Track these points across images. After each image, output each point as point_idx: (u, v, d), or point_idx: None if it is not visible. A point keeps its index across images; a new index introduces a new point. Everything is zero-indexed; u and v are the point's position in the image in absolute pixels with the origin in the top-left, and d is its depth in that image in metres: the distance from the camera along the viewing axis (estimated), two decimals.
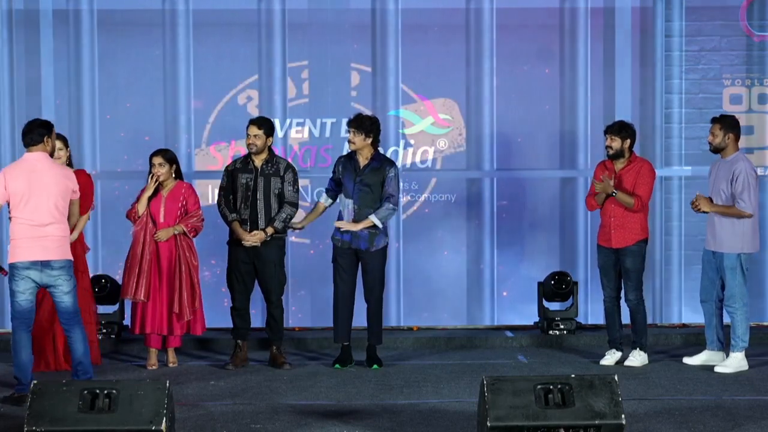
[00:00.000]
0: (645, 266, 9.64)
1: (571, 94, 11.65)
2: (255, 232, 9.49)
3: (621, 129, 9.48)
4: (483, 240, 11.68)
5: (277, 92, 11.64)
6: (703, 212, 9.40)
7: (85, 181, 9.50)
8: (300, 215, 9.95)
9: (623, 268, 9.52)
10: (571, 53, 11.60)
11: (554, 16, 11.63)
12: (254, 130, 9.54)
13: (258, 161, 9.57)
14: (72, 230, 9.36)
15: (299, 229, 9.79)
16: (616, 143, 9.46)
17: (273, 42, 11.70)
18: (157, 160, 9.53)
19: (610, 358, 9.64)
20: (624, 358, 9.63)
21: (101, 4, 11.49)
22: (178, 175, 9.65)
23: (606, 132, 9.53)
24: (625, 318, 9.73)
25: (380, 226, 9.45)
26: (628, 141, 9.49)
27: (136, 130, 11.50)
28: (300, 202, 9.94)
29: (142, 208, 9.45)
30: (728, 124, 9.43)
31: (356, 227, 9.43)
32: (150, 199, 9.52)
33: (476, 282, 11.70)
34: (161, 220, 9.51)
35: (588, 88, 11.65)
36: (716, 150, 9.46)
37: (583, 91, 11.65)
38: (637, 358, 9.56)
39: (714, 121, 9.50)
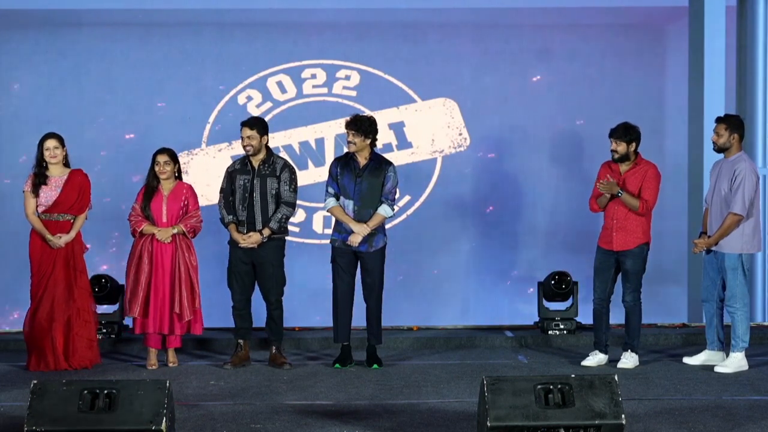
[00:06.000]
0: (646, 268, 9.62)
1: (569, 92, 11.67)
2: (250, 234, 9.49)
3: (626, 132, 9.42)
4: (483, 239, 11.68)
5: (276, 92, 11.65)
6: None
7: (82, 180, 9.51)
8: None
9: (623, 269, 9.50)
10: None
11: (562, 16, 11.66)
12: (247, 132, 9.50)
13: (256, 162, 9.56)
14: (69, 230, 9.42)
15: (360, 237, 9.43)
16: (621, 147, 9.41)
17: (273, 42, 11.71)
18: (163, 158, 9.54)
19: (593, 359, 9.62)
20: (610, 360, 9.62)
21: (102, 4, 11.49)
22: (179, 175, 9.67)
23: (610, 136, 9.46)
24: (621, 318, 9.74)
25: (391, 214, 9.46)
26: (634, 144, 9.42)
27: (138, 131, 11.51)
28: (299, 202, 9.94)
29: (147, 230, 9.47)
30: (733, 123, 9.41)
31: (368, 229, 9.40)
32: (151, 198, 9.53)
33: (476, 282, 11.70)
34: (163, 220, 9.53)
35: (591, 86, 11.68)
36: (720, 150, 9.44)
37: (588, 88, 11.67)
38: (629, 360, 9.54)
39: (719, 120, 9.47)
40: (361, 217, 9.45)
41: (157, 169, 9.53)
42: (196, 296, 9.55)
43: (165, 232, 9.47)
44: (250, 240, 9.47)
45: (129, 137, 11.54)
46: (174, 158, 9.58)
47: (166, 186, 9.58)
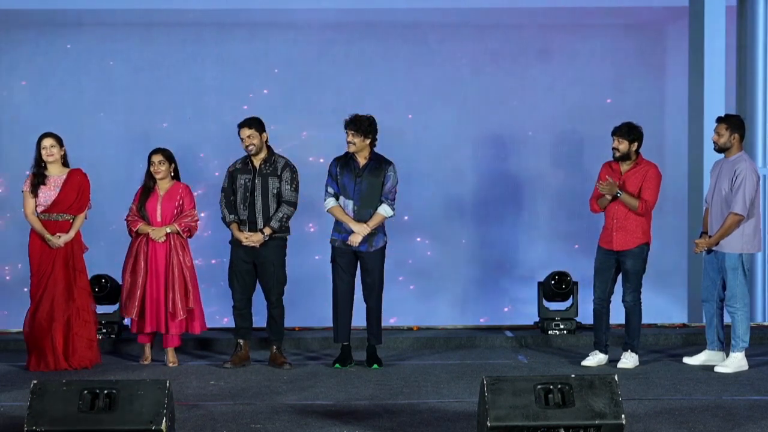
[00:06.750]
0: (646, 268, 9.61)
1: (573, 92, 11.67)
2: (251, 233, 9.48)
3: (629, 131, 9.42)
4: (483, 239, 11.68)
5: (277, 92, 11.65)
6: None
7: (81, 179, 9.51)
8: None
9: (623, 269, 9.49)
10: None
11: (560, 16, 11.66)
12: (246, 132, 9.49)
13: (257, 161, 9.56)
14: (69, 229, 9.41)
15: (361, 236, 9.40)
16: (623, 146, 9.41)
17: (273, 42, 11.71)
18: (157, 158, 9.55)
19: (593, 359, 9.62)
20: (611, 360, 9.62)
21: (102, 4, 11.50)
22: (176, 175, 9.66)
23: (613, 134, 9.46)
24: (621, 318, 9.74)
25: (392, 214, 9.44)
26: (636, 143, 9.43)
27: (138, 131, 11.52)
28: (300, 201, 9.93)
29: (143, 230, 9.49)
30: (734, 123, 9.41)
31: (368, 229, 9.39)
32: (147, 198, 9.54)
33: (476, 281, 11.70)
34: (158, 219, 9.54)
35: (591, 86, 11.68)
36: (721, 150, 9.44)
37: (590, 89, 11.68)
38: (630, 360, 9.54)
39: (720, 120, 9.47)
40: (360, 217, 9.45)
41: (152, 169, 9.54)
42: (190, 295, 9.55)
43: (159, 231, 9.48)
44: (252, 239, 9.46)
45: (129, 137, 11.54)
46: (169, 158, 9.59)
47: (162, 186, 9.59)
